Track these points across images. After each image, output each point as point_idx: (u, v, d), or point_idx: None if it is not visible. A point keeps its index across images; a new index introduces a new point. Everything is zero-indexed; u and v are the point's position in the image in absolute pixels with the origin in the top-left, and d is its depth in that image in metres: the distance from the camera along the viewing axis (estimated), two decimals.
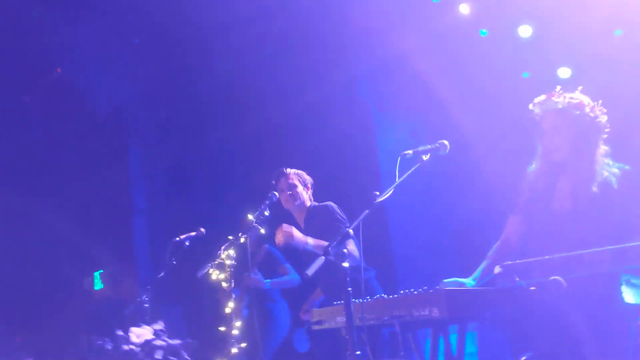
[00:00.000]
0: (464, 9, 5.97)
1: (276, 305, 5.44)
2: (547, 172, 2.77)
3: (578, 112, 2.70)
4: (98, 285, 6.80)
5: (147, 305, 4.58)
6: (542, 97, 2.81)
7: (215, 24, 6.54)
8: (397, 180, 2.76)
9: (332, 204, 3.86)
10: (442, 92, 6.96)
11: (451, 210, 6.52)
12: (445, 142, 2.91)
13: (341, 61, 6.66)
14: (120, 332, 3.40)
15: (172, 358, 3.26)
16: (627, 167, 2.69)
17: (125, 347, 3.34)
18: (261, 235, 4.22)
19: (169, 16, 6.48)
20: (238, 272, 4.02)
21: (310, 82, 7.01)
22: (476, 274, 2.79)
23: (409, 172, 2.80)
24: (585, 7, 5.65)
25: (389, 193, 2.76)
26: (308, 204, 3.97)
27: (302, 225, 3.88)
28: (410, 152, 2.88)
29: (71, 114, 6.68)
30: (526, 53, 6.15)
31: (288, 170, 4.01)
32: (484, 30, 6.16)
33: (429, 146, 2.90)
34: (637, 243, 2.19)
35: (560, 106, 2.72)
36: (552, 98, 2.76)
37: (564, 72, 6.39)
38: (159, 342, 3.29)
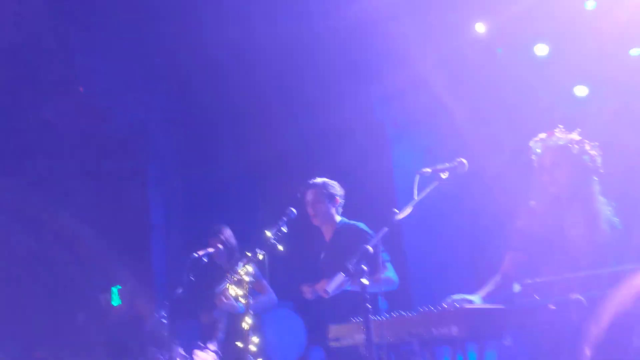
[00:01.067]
0: (480, 28, 6.02)
1: (290, 321, 5.44)
2: (551, 207, 2.85)
3: (578, 148, 2.82)
4: (116, 301, 6.85)
5: (165, 321, 4.60)
6: (543, 135, 2.91)
7: (235, 47, 6.65)
8: (416, 198, 2.78)
9: (363, 225, 3.78)
10: (458, 111, 6.99)
11: (466, 229, 6.51)
12: (464, 160, 2.93)
13: (358, 82, 6.72)
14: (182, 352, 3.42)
15: None
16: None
17: None
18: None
19: (189, 37, 6.60)
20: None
21: (328, 103, 7.08)
22: (481, 294, 2.82)
23: (427, 189, 2.82)
24: (601, 25, 5.68)
25: (408, 211, 2.79)
26: (336, 219, 3.87)
27: (328, 240, 3.86)
28: (428, 169, 2.91)
29: (92, 132, 6.79)
30: (543, 71, 6.17)
31: (315, 181, 3.92)
32: (499, 49, 6.20)
33: (447, 164, 2.92)
34: None
35: (561, 142, 2.83)
36: (554, 135, 2.87)
37: (581, 91, 6.39)
38: None
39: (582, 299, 2.16)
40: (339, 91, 6.91)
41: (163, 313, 4.58)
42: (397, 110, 6.74)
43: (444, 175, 2.89)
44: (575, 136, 2.87)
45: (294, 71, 7.01)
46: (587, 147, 2.84)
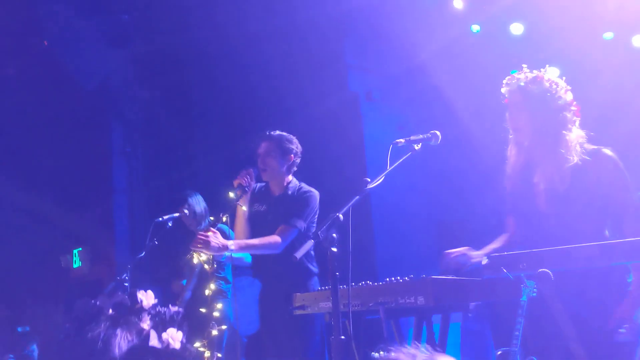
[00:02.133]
0: (458, 4, 5.98)
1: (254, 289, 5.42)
2: (522, 167, 2.71)
3: (535, 87, 2.61)
4: (76, 263, 6.71)
5: (126, 284, 4.51)
6: (508, 77, 2.77)
7: (208, 9, 6.46)
8: (389, 168, 2.75)
9: (315, 194, 3.60)
10: (432, 86, 6.98)
11: (435, 202, 6.56)
12: (437, 132, 2.90)
13: (333, 51, 6.62)
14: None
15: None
16: (603, 149, 2.59)
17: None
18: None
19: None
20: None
21: (300, 69, 6.98)
22: (486, 250, 2.67)
23: (400, 160, 2.79)
24: (576, 8, 5.71)
25: (379, 180, 2.76)
26: (288, 177, 3.63)
27: (275, 194, 3.64)
28: (402, 140, 2.88)
29: (54, 88, 6.54)
30: (517, 50, 6.19)
31: (271, 133, 3.65)
32: (476, 27, 6.19)
33: (421, 136, 2.89)
34: (625, 240, 2.21)
35: (522, 83, 2.65)
36: (516, 76, 2.72)
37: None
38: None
39: (549, 272, 2.17)
40: (313, 60, 6.81)
41: (125, 277, 4.48)
42: (372, 82, 6.68)
43: (417, 147, 2.86)
44: (536, 74, 2.67)
45: (269, 38, 6.87)
46: (547, 84, 2.62)
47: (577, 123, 2.67)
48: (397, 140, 2.88)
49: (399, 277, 2.62)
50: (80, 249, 6.64)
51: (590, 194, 2.50)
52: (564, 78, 2.76)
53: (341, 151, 6.68)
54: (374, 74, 6.75)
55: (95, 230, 6.56)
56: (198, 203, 4.88)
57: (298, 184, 3.68)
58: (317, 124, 6.91)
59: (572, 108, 2.66)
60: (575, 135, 2.61)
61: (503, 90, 2.78)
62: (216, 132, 6.79)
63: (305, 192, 3.61)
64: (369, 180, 2.72)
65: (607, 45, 6.06)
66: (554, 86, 2.65)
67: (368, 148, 6.41)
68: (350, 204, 2.78)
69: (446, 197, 6.48)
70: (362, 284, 2.78)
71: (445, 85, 6.92)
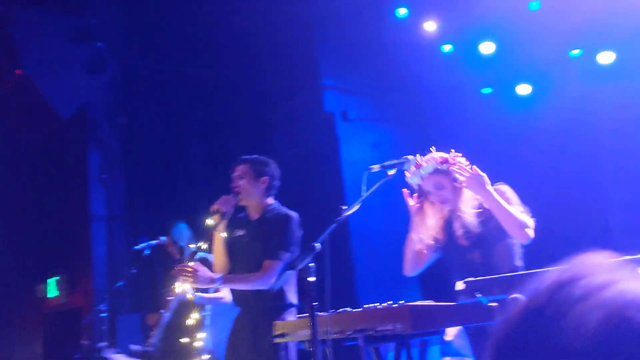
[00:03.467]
0: (430, 26, 6.10)
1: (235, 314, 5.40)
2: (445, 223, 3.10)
3: (445, 165, 3.01)
4: (52, 292, 6.61)
5: (104, 315, 4.46)
6: (413, 169, 3.06)
7: (182, 32, 6.49)
8: (364, 195, 2.79)
9: (295, 216, 3.56)
10: (408, 104, 7.07)
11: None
12: (410, 157, 2.96)
13: (308, 71, 6.69)
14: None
15: None
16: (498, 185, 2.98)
17: None
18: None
19: (134, 20, 6.40)
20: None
21: (277, 89, 7.02)
22: None
23: (375, 186, 2.83)
24: (544, 26, 5.86)
25: (356, 207, 2.79)
26: (267, 201, 3.60)
27: (253, 219, 3.60)
28: (376, 166, 2.92)
29: (32, 116, 6.49)
30: (488, 69, 6.32)
31: (246, 157, 3.64)
32: (447, 47, 6.31)
33: (395, 161, 2.94)
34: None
35: (431, 168, 3.03)
36: (423, 164, 3.05)
37: (524, 89, 6.59)
38: None
39: (521, 297, 2.21)
40: (288, 81, 6.87)
41: (102, 307, 4.44)
42: (347, 102, 6.75)
43: (391, 172, 2.90)
44: (437, 155, 3.05)
45: (244, 60, 6.91)
46: (450, 160, 3.02)
47: None
48: (371, 167, 2.93)
49: (377, 304, 2.64)
50: (58, 277, 6.54)
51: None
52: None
53: (318, 172, 6.72)
54: (349, 94, 6.83)
55: (73, 259, 6.48)
56: (181, 231, 4.80)
57: (277, 208, 3.68)
58: (294, 146, 6.95)
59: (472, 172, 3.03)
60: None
61: (415, 180, 3.09)
62: (196, 157, 6.78)
63: (283, 215, 3.55)
64: (345, 207, 2.75)
65: (575, 63, 6.23)
66: (462, 159, 3.03)
67: (345, 168, 6.46)
68: (326, 232, 2.82)
69: None
70: (340, 311, 2.80)
71: (420, 105, 7.03)
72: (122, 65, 6.32)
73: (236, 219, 3.69)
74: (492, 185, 2.95)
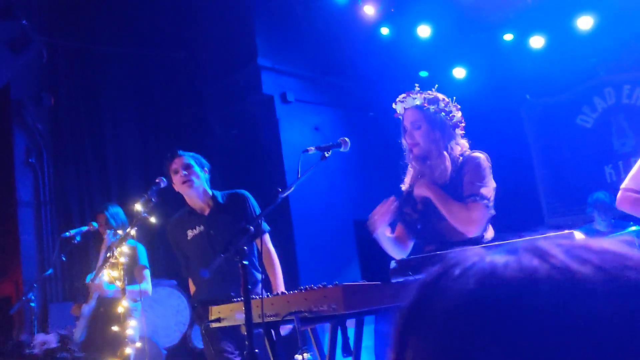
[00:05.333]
0: (369, 10, 6.10)
1: (173, 299, 5.31)
2: (415, 174, 2.91)
3: (434, 107, 2.83)
4: None
5: (33, 304, 4.28)
6: (402, 95, 2.93)
7: (115, 13, 6.24)
8: (300, 177, 2.77)
9: (246, 192, 3.63)
10: (346, 89, 7.08)
11: (351, 202, 6.67)
12: (347, 139, 2.95)
13: (247, 51, 6.57)
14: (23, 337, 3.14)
15: None
16: (474, 153, 2.82)
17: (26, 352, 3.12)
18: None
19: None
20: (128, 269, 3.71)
21: (212, 69, 6.88)
22: None
23: (311, 168, 2.82)
24: (480, 10, 5.98)
25: (291, 189, 2.77)
26: (209, 190, 3.62)
27: (206, 213, 3.58)
28: (312, 149, 2.90)
29: None
30: (425, 53, 6.40)
31: (184, 151, 3.63)
32: (385, 30, 6.34)
33: (331, 143, 2.93)
34: (515, 240, 2.33)
35: (418, 102, 2.85)
36: (411, 95, 2.89)
37: (459, 72, 6.72)
38: (62, 353, 3.08)
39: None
40: (226, 61, 6.74)
41: (31, 296, 4.25)
42: (286, 84, 6.69)
43: (327, 154, 2.89)
44: (430, 94, 2.87)
45: (178, 37, 6.73)
46: (442, 105, 2.85)
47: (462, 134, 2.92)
48: (308, 149, 2.91)
49: (312, 285, 2.64)
50: None
51: (461, 190, 2.75)
52: (454, 98, 2.94)
53: (258, 154, 6.65)
54: (288, 75, 6.76)
55: (0, 247, 6.18)
56: (117, 214, 4.63)
57: (226, 193, 3.67)
58: (232, 127, 6.84)
59: (461, 124, 2.90)
60: (461, 146, 2.86)
61: (397, 108, 2.91)
62: (127, 139, 6.57)
63: (241, 195, 3.62)
64: (280, 190, 2.73)
65: (507, 46, 6.39)
66: (449, 106, 2.86)
67: (285, 151, 6.42)
68: (262, 214, 2.79)
69: (361, 196, 6.61)
70: (276, 294, 2.78)
71: (359, 88, 7.05)
72: (48, 44, 6.01)
73: (183, 221, 3.60)
74: (471, 152, 2.82)
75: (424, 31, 6.27)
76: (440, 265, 0.55)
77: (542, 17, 6.04)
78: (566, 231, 2.24)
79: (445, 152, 2.78)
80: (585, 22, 5.91)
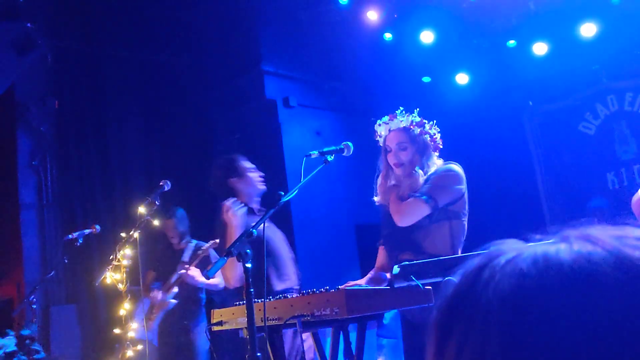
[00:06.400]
0: (372, 15, 6.12)
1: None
2: (387, 190, 3.07)
3: (420, 129, 2.97)
4: None
5: (34, 306, 4.28)
6: (386, 118, 3.06)
7: (121, 16, 6.26)
8: (302, 181, 2.78)
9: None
10: (348, 94, 7.09)
11: (352, 207, 6.67)
12: (349, 143, 2.96)
13: (250, 56, 6.60)
14: None
15: None
16: (447, 165, 2.97)
17: None
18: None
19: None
20: (137, 271, 3.75)
21: (216, 73, 6.89)
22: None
23: (313, 172, 2.82)
24: (483, 16, 5.99)
25: (293, 193, 2.78)
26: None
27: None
28: (315, 152, 2.91)
29: None
30: (428, 58, 6.41)
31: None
32: (388, 35, 6.35)
33: (334, 147, 2.94)
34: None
35: (404, 124, 2.98)
36: (396, 117, 3.01)
37: (462, 78, 6.73)
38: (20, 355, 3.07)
39: (455, 280, 2.25)
40: (229, 66, 6.76)
41: (33, 298, 4.25)
42: (289, 89, 6.71)
43: (330, 158, 2.90)
44: (415, 117, 3.01)
45: (183, 42, 6.74)
46: (427, 127, 2.99)
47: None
48: (310, 153, 2.92)
49: (314, 289, 2.65)
50: None
51: None
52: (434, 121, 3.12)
53: (261, 158, 6.65)
54: (290, 80, 6.78)
55: (2, 249, 6.19)
56: (183, 217, 4.68)
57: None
58: (235, 132, 6.85)
59: (440, 147, 3.06)
60: (437, 165, 3.01)
61: (381, 129, 3.06)
62: (131, 142, 6.58)
63: None
64: (282, 194, 2.73)
65: (510, 52, 6.40)
66: (433, 129, 3.03)
67: (287, 155, 6.43)
68: (264, 217, 2.79)
69: (362, 201, 6.61)
70: (278, 297, 2.79)
71: (362, 93, 7.07)
72: (53, 46, 6.03)
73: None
74: (445, 163, 2.96)
75: (427, 37, 6.28)
76: (479, 259, 0.56)
77: (545, 24, 6.05)
78: None
79: (421, 171, 2.94)
80: (588, 30, 5.92)
